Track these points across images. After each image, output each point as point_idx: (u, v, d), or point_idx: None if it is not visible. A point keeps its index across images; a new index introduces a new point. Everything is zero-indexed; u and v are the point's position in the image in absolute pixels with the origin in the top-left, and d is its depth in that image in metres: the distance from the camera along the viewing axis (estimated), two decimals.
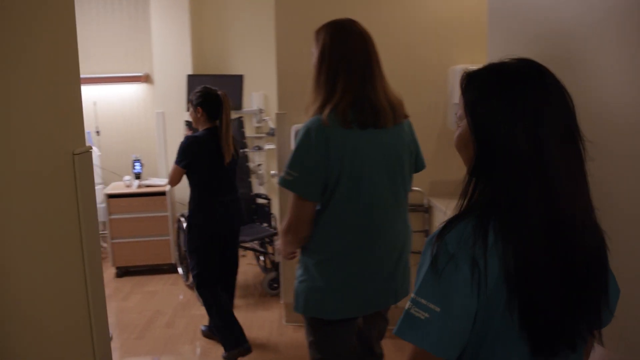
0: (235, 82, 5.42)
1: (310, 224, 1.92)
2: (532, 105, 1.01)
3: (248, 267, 5.30)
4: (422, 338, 1.01)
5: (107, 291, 4.74)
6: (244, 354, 3.46)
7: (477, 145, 1.04)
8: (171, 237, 5.01)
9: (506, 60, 1.08)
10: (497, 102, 1.02)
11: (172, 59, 5.43)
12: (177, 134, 4.90)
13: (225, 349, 3.46)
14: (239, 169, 4.99)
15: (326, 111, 1.84)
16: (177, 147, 3.47)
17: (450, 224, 1.04)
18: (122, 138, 5.74)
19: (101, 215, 5.31)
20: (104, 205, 4.99)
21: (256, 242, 4.82)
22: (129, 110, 5.77)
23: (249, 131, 5.62)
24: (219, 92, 3.51)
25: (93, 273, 1.41)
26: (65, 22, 1.41)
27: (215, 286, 3.53)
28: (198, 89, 3.55)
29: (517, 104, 1.01)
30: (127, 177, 5.19)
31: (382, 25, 3.58)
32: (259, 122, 5.66)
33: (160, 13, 5.41)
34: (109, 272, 5.16)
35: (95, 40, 5.64)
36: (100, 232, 5.53)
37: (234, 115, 5.32)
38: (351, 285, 1.94)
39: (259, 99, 5.65)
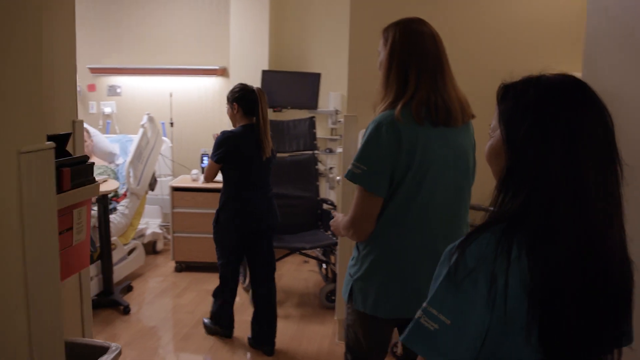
0: (312, 80, 5.20)
1: (374, 220, 1.86)
2: (569, 121, 0.99)
3: (310, 274, 5.06)
4: (429, 349, 1.00)
5: (164, 285, 4.66)
6: (222, 336, 3.72)
7: (508, 158, 1.03)
8: None
9: (545, 73, 1.06)
10: (532, 115, 1.01)
11: (249, 54, 5.30)
12: None
13: (213, 320, 3.72)
14: (306, 171, 4.79)
15: (399, 107, 1.81)
16: None
17: (472, 235, 1.02)
18: (194, 131, 5.68)
19: (166, 207, 5.28)
20: (168, 197, 4.93)
21: (319, 249, 4.57)
22: (203, 103, 5.71)
23: (322, 132, 5.39)
24: (255, 88, 3.48)
25: (39, 284, 1.20)
26: (28, 14, 1.22)
27: (236, 280, 3.62)
28: (235, 86, 3.54)
29: (553, 119, 0.99)
30: (194, 171, 5.11)
31: (462, 27, 3.24)
32: (334, 123, 5.42)
33: (240, 7, 5.29)
34: (169, 265, 5.10)
35: (174, 32, 5.64)
36: (164, 224, 5.51)
37: (307, 114, 5.13)
38: (406, 284, 1.89)
39: (336, 99, 5.40)
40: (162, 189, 5.37)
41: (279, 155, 4.82)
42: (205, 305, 4.21)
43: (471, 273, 0.97)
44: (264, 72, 5.07)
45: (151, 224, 5.44)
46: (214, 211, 4.75)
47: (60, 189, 1.51)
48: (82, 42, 5.86)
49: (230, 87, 5.28)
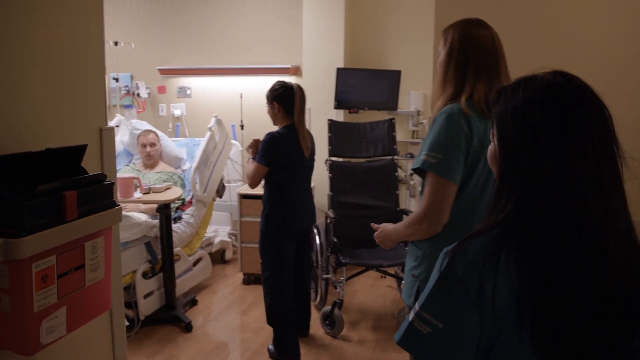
0: (391, 79, 4.76)
1: (449, 210, 1.83)
2: (558, 119, 0.96)
3: (387, 291, 4.62)
4: (423, 352, 1.01)
5: (231, 298, 4.37)
6: None
7: (500, 161, 1.03)
8: None
9: (537, 72, 1.04)
10: (520, 117, 0.99)
11: (323, 51, 4.91)
12: (322, 133, 4.37)
13: (276, 352, 3.36)
14: (385, 179, 4.37)
15: (463, 100, 1.84)
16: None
17: (465, 241, 1.01)
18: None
19: (236, 214, 5.00)
20: (236, 204, 4.64)
21: (398, 267, 4.13)
22: None
23: (403, 135, 4.93)
24: (293, 85, 3.29)
25: None
26: None
27: (285, 294, 3.33)
28: (274, 84, 3.33)
29: (541, 119, 0.97)
30: None
31: (568, 12, 2.72)
32: (415, 125, 4.94)
33: (313, 2, 4.92)
34: (237, 276, 4.81)
35: (245, 30, 5.40)
36: (233, 232, 5.24)
37: (386, 115, 4.70)
38: None
39: (418, 99, 4.93)
40: (232, 195, 5.09)
41: (354, 160, 4.46)
42: None
43: (461, 279, 0.97)
44: (339, 70, 4.68)
45: (220, 231, 5.19)
46: None
47: (63, 219, 1.18)
48: (152, 43, 5.72)
49: (303, 87, 4.95)
